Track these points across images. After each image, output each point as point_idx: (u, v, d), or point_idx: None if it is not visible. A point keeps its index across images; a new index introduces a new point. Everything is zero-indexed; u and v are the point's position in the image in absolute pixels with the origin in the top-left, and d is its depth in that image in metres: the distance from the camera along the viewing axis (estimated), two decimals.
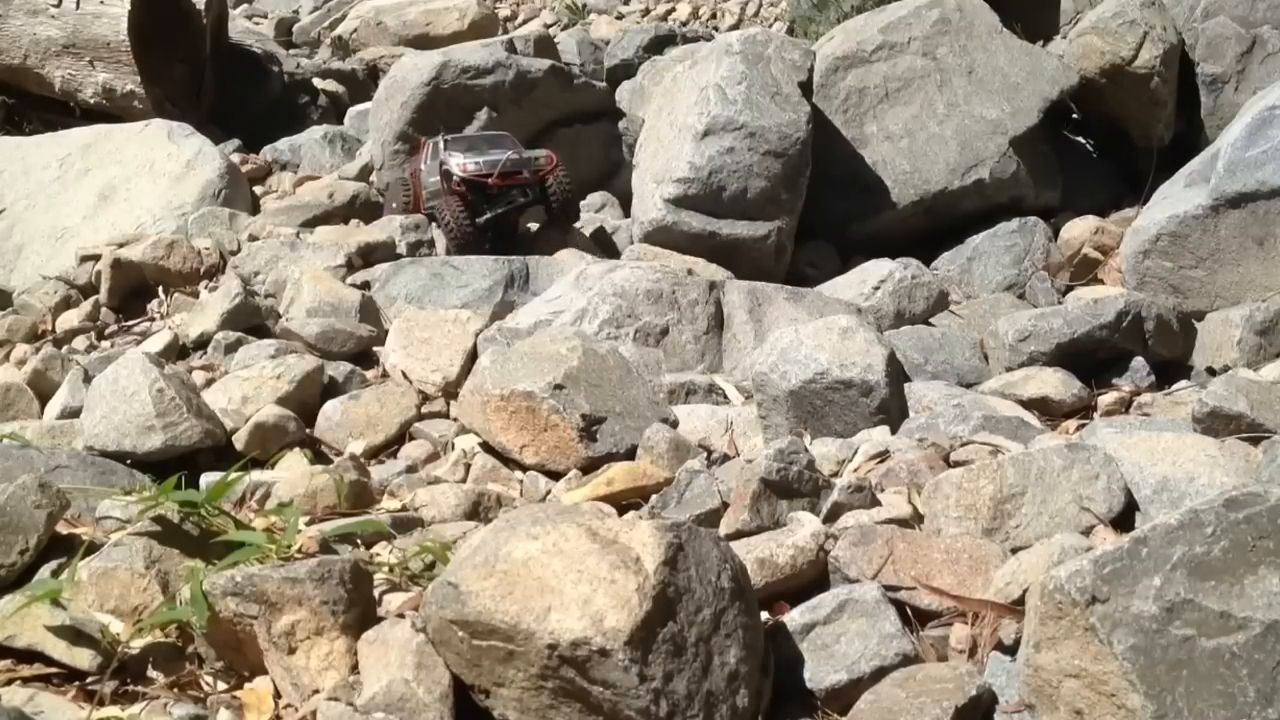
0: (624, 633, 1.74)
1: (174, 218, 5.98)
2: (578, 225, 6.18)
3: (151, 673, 2.08)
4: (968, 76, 6.24)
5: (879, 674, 1.93)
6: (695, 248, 5.55)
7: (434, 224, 5.89)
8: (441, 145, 5.92)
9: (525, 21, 12.49)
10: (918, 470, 2.65)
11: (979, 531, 2.31)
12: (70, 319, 5.16)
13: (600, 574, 1.80)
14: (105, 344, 4.98)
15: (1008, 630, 1.96)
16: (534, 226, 6.08)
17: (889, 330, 4.59)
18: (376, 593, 2.19)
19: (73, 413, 3.82)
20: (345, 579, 2.04)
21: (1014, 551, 2.18)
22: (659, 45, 9.11)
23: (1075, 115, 6.71)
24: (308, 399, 3.76)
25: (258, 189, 6.78)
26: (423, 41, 10.10)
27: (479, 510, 2.92)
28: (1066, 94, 6.21)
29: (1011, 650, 1.94)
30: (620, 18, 12.12)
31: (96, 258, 5.39)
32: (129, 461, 3.23)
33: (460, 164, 5.68)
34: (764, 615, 2.07)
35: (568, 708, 1.79)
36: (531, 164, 5.75)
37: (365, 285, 5.03)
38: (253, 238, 5.63)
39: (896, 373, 3.35)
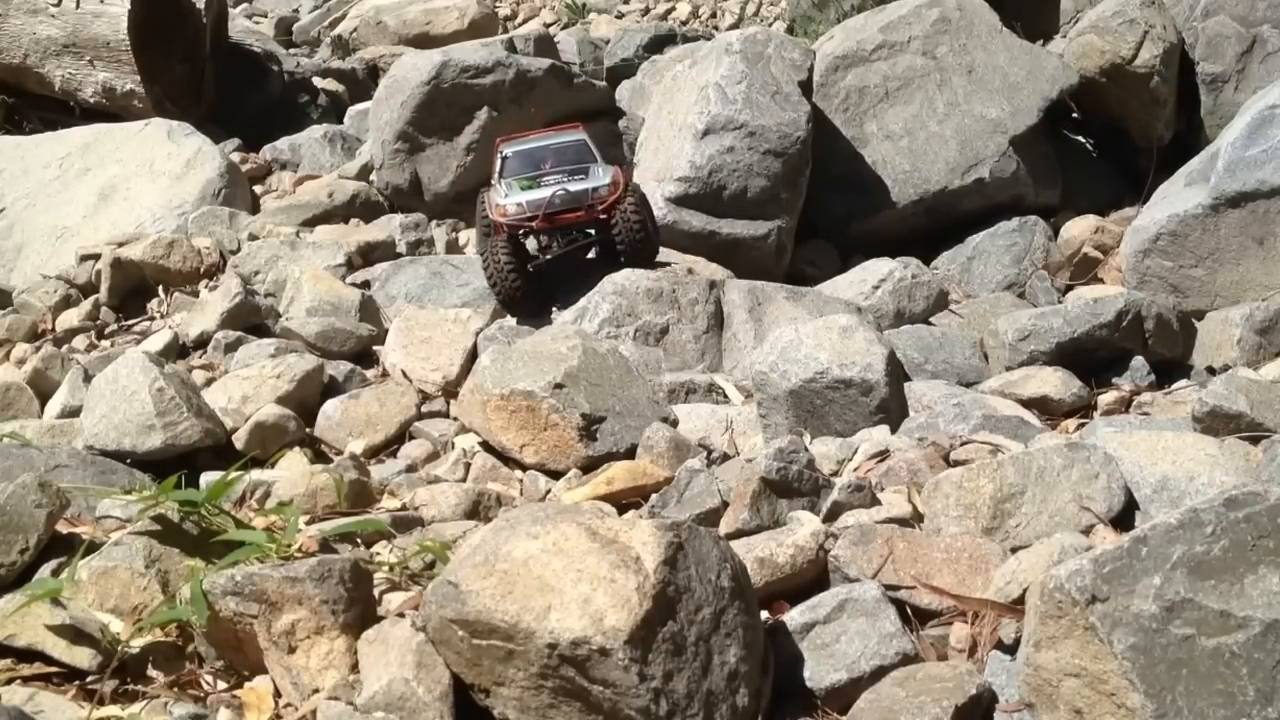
0: (624, 632, 1.74)
1: (174, 217, 5.97)
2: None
3: (151, 672, 2.08)
4: (968, 76, 6.23)
5: (879, 673, 1.93)
6: (695, 247, 5.54)
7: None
8: (497, 165, 4.79)
9: (525, 21, 12.48)
10: (918, 469, 2.65)
11: (979, 531, 2.31)
12: (70, 318, 5.16)
13: (600, 573, 1.80)
14: (105, 343, 4.97)
15: (1008, 629, 1.96)
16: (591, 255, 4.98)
17: (889, 329, 4.59)
18: (376, 592, 2.19)
19: (73, 412, 3.81)
20: (345, 578, 2.04)
21: (1014, 551, 2.18)
22: (659, 44, 9.09)
23: (1075, 115, 6.71)
24: (308, 398, 3.76)
25: (258, 188, 6.77)
26: (423, 41, 10.07)
27: (479, 509, 2.92)
28: (1066, 93, 6.20)
29: (1011, 649, 1.94)
30: (620, 17, 12.10)
31: (96, 257, 5.39)
32: (129, 461, 3.23)
33: (499, 205, 4.49)
34: (764, 614, 2.07)
35: (568, 707, 1.79)
36: (587, 197, 4.47)
37: (365, 284, 5.02)
38: (253, 237, 5.63)
39: (896, 372, 3.35)
